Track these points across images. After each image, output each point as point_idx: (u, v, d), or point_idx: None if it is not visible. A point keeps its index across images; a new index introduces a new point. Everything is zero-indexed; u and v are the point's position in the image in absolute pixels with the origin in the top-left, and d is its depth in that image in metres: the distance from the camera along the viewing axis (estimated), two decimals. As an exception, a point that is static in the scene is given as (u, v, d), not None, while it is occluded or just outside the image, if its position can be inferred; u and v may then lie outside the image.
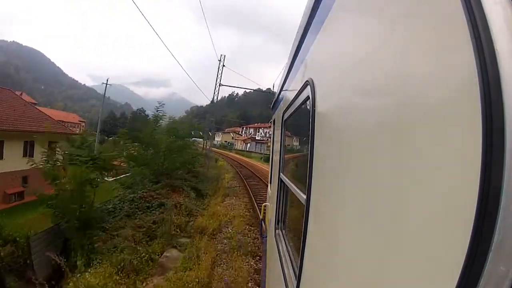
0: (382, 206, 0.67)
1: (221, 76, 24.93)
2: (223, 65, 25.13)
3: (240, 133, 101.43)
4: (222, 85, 25.59)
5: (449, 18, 0.49)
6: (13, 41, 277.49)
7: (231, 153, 67.22)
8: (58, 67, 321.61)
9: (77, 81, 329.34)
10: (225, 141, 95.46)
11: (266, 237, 4.24)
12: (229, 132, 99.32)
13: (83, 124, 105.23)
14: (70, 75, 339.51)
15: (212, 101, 25.72)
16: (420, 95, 0.56)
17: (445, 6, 0.50)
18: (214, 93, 25.52)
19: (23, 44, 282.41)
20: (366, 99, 0.83)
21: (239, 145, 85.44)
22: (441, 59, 0.51)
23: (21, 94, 79.88)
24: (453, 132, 0.47)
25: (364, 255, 0.75)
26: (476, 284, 0.38)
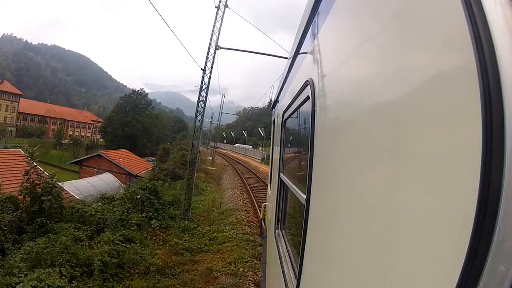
0: (382, 206, 0.67)
1: (219, 32, 12.80)
2: (224, 7, 12.63)
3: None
4: (220, 47, 12.98)
5: (449, 18, 0.48)
6: (54, 45, 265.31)
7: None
8: (105, 72, 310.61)
9: (125, 85, 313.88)
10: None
11: (266, 237, 4.25)
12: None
13: (99, 124, 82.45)
14: (120, 80, 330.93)
15: (204, 70, 12.88)
16: (420, 95, 0.56)
17: (445, 6, 0.50)
18: (208, 57, 12.96)
19: (66, 48, 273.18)
20: (366, 99, 0.83)
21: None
22: (441, 59, 0.51)
23: (1, 82, 70.71)
24: (453, 132, 0.47)
25: (364, 255, 0.75)
26: (476, 284, 0.38)
